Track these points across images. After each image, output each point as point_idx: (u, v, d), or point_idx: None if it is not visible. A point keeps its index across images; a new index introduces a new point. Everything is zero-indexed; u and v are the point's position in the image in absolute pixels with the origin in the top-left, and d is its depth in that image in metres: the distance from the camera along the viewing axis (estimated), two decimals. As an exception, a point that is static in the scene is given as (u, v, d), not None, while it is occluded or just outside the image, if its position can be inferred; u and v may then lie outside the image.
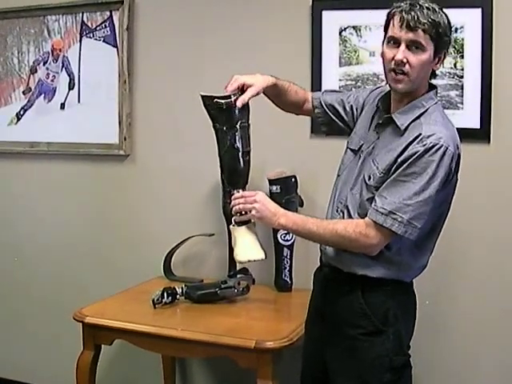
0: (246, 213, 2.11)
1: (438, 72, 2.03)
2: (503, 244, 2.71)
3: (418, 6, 1.89)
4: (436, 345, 2.79)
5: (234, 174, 2.15)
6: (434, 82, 2.05)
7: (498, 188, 2.70)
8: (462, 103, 2.70)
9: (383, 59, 1.99)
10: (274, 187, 2.85)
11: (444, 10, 1.94)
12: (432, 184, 1.88)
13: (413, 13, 1.88)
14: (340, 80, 2.87)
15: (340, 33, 2.85)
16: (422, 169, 1.88)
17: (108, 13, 3.27)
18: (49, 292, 3.53)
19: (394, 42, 1.93)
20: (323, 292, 2.18)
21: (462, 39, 2.66)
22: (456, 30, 2.65)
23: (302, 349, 2.31)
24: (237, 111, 2.05)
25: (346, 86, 2.85)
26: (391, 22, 1.95)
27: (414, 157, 1.88)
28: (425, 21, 1.88)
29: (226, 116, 2.06)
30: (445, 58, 2.00)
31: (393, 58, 1.93)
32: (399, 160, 1.91)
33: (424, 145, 1.88)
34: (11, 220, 3.63)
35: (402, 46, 1.91)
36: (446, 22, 1.93)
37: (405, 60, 1.91)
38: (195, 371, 3.26)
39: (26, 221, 3.58)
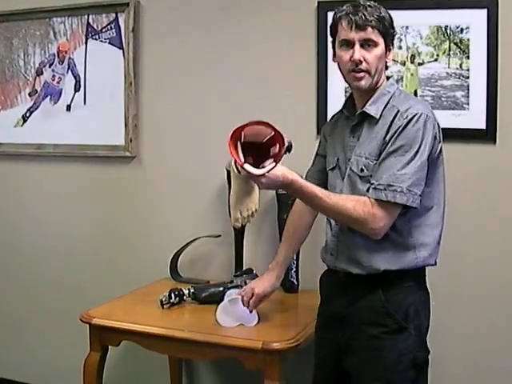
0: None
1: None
2: (510, 245, 2.71)
3: (361, 6, 2.00)
4: (442, 346, 2.79)
5: None
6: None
7: (505, 189, 2.70)
8: (467, 104, 2.70)
9: (339, 63, 2.07)
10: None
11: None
12: (421, 149, 1.94)
13: (360, 13, 1.98)
14: (345, 81, 2.87)
15: (345, 34, 2.85)
16: (409, 139, 1.94)
17: (114, 14, 3.27)
18: (55, 294, 3.53)
19: (347, 44, 2.02)
20: (341, 296, 2.13)
21: (468, 40, 2.66)
22: (462, 30, 2.65)
23: (312, 353, 2.29)
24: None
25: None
26: (339, 26, 2.04)
27: (399, 131, 1.95)
28: (371, 18, 1.98)
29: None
30: (393, 48, 2.08)
31: (350, 59, 2.01)
32: (386, 139, 1.98)
33: (405, 117, 1.96)
34: (17, 222, 3.63)
35: (357, 46, 2.00)
36: (388, 16, 2.03)
37: (362, 58, 2.00)
38: (202, 372, 3.27)
39: (33, 222, 3.59)
